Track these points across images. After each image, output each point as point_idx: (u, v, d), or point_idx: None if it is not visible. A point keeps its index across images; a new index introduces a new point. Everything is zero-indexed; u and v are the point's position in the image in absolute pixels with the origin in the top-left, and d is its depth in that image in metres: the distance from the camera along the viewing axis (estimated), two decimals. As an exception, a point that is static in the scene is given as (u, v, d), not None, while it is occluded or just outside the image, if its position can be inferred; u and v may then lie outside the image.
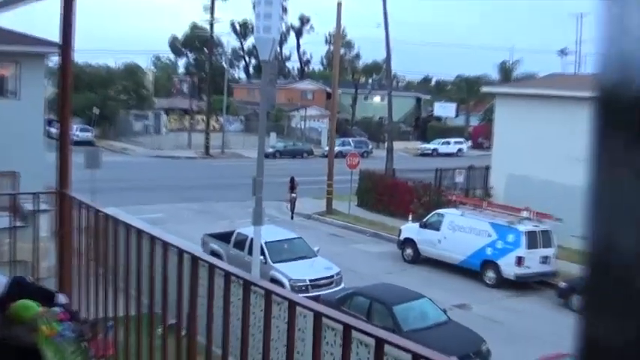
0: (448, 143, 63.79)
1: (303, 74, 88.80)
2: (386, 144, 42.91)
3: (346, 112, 71.43)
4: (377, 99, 77.29)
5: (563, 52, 74.28)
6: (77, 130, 52.59)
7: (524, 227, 19.49)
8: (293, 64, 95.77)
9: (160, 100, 68.21)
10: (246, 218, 21.96)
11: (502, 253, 19.58)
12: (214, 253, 17.82)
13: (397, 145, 48.19)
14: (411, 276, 20.16)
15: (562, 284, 18.30)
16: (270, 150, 51.83)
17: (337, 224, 27.23)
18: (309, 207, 29.50)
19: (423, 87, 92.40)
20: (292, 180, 27.93)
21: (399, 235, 22.66)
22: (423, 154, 61.91)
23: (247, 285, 2.79)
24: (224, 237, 19.29)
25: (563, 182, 24.25)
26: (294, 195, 27.66)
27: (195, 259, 3.10)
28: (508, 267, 19.40)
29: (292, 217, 27.80)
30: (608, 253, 0.58)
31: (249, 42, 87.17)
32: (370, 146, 59.36)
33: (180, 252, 3.18)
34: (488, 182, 29.53)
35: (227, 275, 2.90)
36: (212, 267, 2.99)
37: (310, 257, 18.04)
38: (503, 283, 19.56)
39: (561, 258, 20.46)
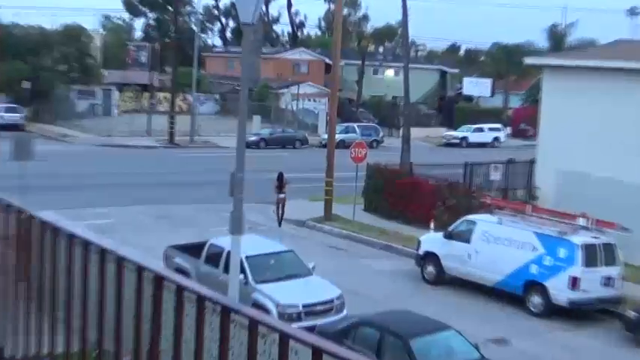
0: (481, 130, 64.09)
1: (295, 41, 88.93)
2: (401, 131, 42.98)
3: (350, 90, 71.65)
4: (390, 73, 77.52)
5: (632, 12, 74.29)
6: (2, 111, 52.66)
7: (581, 239, 19.52)
8: (283, 28, 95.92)
9: (110, 72, 68.23)
10: (221, 225, 21.92)
11: (551, 273, 19.62)
12: (180, 271, 17.79)
13: (416, 132, 48.28)
14: (434, 301, 20.20)
15: (631, 314, 18.31)
16: (254, 138, 52.23)
17: (338, 233, 27.33)
18: (302, 211, 29.58)
19: (450, 58, 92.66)
20: (280, 176, 28.04)
21: (417, 248, 22.72)
22: (449, 144, 62.20)
23: (226, 312, 2.79)
24: (193, 250, 19.30)
25: (633, 181, 24.29)
26: (282, 196, 27.78)
27: (158, 279, 3.09)
28: (559, 290, 19.44)
29: (280, 224, 27.90)
30: None
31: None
32: (381, 134, 59.82)
33: (139, 269, 3.17)
34: (532, 181, 29.59)
35: (200, 299, 2.90)
36: (180, 289, 2.97)
37: (303, 276, 18.08)
38: (553, 312, 19.60)
39: (629, 279, 20.49)
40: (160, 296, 3.11)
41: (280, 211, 27.97)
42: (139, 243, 21.79)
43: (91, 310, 3.59)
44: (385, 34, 79.43)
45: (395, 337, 14.04)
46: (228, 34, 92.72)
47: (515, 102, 73.92)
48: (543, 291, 19.73)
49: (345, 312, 17.19)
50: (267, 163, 39.11)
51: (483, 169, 31.00)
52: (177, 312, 2.99)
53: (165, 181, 36.07)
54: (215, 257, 18.32)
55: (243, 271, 16.75)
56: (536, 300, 19.91)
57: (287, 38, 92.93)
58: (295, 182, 30.65)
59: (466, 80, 77.23)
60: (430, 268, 22.21)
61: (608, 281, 19.61)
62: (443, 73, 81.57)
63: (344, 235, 27.08)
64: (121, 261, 3.33)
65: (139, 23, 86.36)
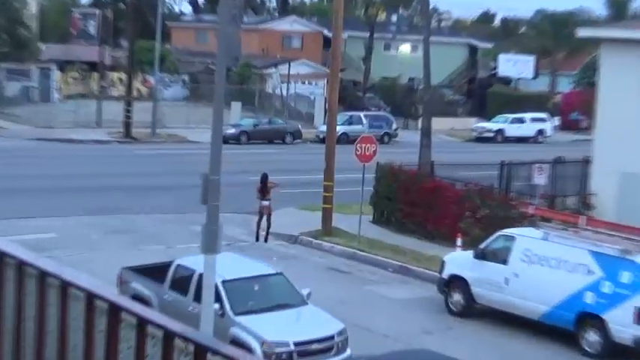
0: (521, 121, 64.27)
1: (285, 7, 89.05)
2: (420, 122, 42.83)
3: (356, 70, 71.73)
4: (405, 48, 77.59)
5: None
6: None
7: (649, 259, 19.49)
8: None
9: (50, 46, 68.22)
10: (190, 242, 21.91)
11: (612, 303, 19.56)
12: (139, 298, 17.82)
13: (439, 123, 48.22)
14: (461, 337, 20.16)
15: None
16: (233, 130, 52.54)
17: (341, 252, 27.33)
18: (294, 223, 29.59)
19: (481, 29, 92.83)
20: (264, 179, 27.90)
21: (440, 271, 22.71)
22: (481, 139, 62.40)
23: (200, 352, 2.80)
24: (155, 272, 19.32)
25: None
26: (266, 203, 27.63)
27: (114, 310, 3.08)
28: (622, 325, 19.35)
29: (266, 240, 27.93)
30: None
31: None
32: (394, 125, 60.13)
33: (90, 297, 3.16)
34: (587, 185, 29.59)
35: (167, 336, 2.90)
36: (142, 322, 2.97)
37: (296, 306, 18.07)
38: (614, 352, 19.52)
39: None
40: (116, 332, 3.10)
41: (266, 224, 27.90)
42: (87, 263, 21.74)
43: (27, 351, 3.56)
44: (399, -1, 79.56)
45: (412, 383, 14.02)
46: (200, 0, 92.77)
47: (564, 85, 74.02)
48: (601, 326, 19.67)
49: (348, 352, 17.17)
50: (249, 162, 39.08)
51: (524, 171, 31.01)
52: (137, 352, 2.98)
53: (121, 185, 36.04)
54: (183, 282, 18.32)
55: (218, 299, 16.73)
56: (592, 337, 19.86)
57: (275, 4, 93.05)
58: (285, 186, 30.54)
59: (502, 58, 77.32)
60: (457, 296, 22.18)
61: (684, 314, 19.55)
62: (473, 49, 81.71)
63: (348, 254, 27.06)
64: (65, 287, 3.31)
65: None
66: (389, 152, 36.48)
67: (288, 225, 29.16)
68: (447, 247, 25.05)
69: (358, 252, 27.03)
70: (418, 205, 29.01)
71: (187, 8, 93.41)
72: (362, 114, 59.71)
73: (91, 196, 33.35)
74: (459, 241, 24.72)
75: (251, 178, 29.72)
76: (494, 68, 78.66)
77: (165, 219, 29.92)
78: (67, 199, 32.42)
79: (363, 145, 28.76)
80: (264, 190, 27.74)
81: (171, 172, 39.25)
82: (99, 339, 3.16)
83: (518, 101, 68.75)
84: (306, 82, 69.14)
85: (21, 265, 3.56)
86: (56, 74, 67.04)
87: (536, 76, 74.37)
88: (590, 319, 19.83)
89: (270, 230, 28.11)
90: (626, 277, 19.43)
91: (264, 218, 27.89)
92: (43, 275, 3.43)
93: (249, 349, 15.95)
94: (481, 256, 21.88)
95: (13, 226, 25.70)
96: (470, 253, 22.44)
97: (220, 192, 14.79)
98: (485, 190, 28.35)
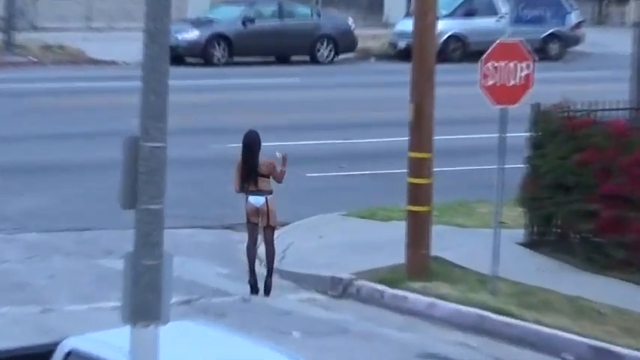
0: None
1: None
2: (631, 9, 41.99)
3: None
4: None
5: None
6: None
7: None
8: None
9: None
10: (98, 297, 22.72)
11: None
12: None
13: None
14: None
15: None
16: (194, 34, 55.26)
17: (452, 315, 27.15)
18: (338, 250, 29.94)
19: None
20: (250, 145, 27.47)
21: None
22: None
23: None
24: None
25: None
26: (257, 201, 27.48)
27: None
28: None
29: (267, 290, 27.72)
30: None
31: None
32: (573, 18, 62.38)
33: None
34: None
35: None
36: None
37: None
38: None
39: None
40: None
41: (269, 250, 27.84)
42: None
43: None
44: None
45: None
46: None
47: None
48: None
49: None
50: (233, 107, 39.61)
51: None
52: None
53: None
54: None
55: None
56: None
57: None
58: (311, 164, 30.46)
59: None
60: None
61: None
62: None
63: (469, 321, 26.72)
64: None
65: None
66: (562, 80, 36.29)
67: (324, 254, 29.21)
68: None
69: (492, 316, 26.63)
70: (634, 203, 28.23)
71: None
72: (500, -4, 60.64)
73: None
74: None
75: (236, 145, 28.74)
76: None
77: (41, 242, 29.90)
78: None
79: (502, 65, 28.09)
80: (249, 171, 27.15)
81: (52, 135, 39.79)
82: None
83: None
84: None
85: None
86: None
87: None
88: None
89: (278, 266, 28.20)
90: None
91: (260, 238, 28.00)
92: None
93: None
94: None
95: None
96: None
97: (166, 178, 13.53)
98: None
